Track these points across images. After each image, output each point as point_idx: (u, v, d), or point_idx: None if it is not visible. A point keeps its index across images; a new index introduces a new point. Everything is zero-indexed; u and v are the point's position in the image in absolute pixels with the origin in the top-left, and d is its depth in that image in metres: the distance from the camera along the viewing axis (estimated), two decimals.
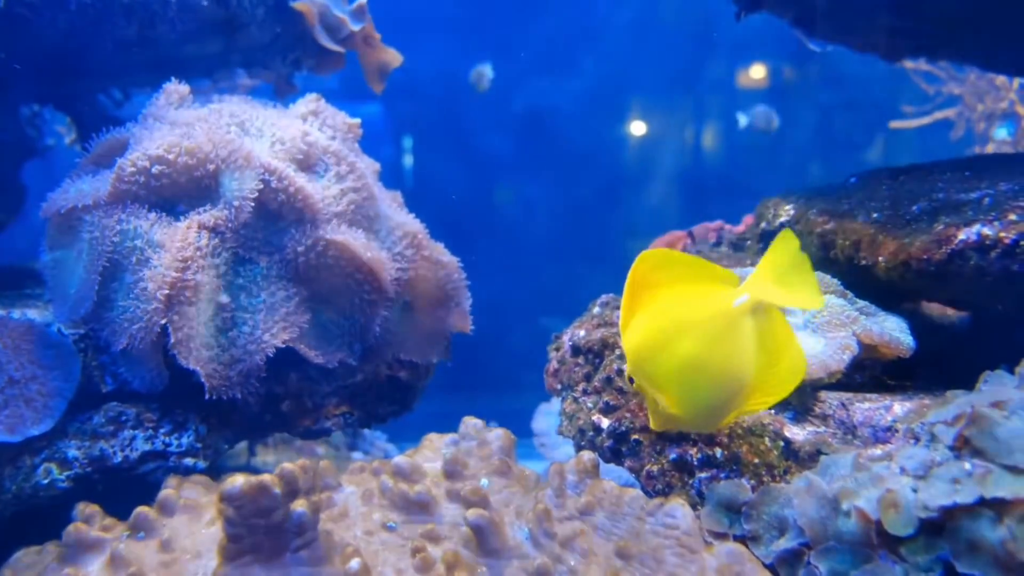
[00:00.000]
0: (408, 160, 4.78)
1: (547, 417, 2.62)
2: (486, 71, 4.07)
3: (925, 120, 3.70)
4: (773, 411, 1.20)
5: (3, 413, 1.26)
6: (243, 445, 2.17)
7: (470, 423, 1.32)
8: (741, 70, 4.78)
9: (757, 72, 4.77)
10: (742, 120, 4.14)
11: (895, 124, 3.78)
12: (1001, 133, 3.65)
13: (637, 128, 4.88)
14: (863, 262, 1.29)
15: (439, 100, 4.42)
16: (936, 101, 3.73)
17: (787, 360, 1.00)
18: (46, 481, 1.30)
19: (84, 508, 1.19)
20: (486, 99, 4.38)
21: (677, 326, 1.03)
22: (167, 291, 1.29)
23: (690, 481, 1.19)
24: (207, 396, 1.34)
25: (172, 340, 1.30)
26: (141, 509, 1.16)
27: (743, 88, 4.83)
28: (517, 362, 3.34)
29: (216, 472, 1.40)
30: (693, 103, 4.86)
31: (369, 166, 1.67)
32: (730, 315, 0.99)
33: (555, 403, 2.65)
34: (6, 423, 1.26)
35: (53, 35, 1.64)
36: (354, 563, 0.99)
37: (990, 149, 3.65)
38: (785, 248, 1.00)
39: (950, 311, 1.46)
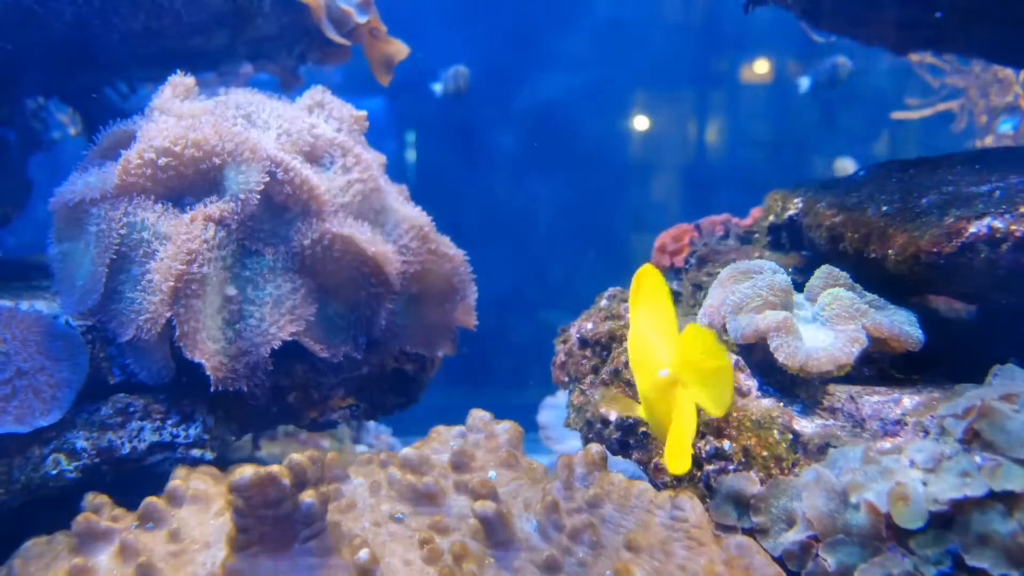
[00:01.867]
0: (412, 155, 4.78)
1: (552, 410, 2.62)
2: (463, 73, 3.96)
3: (927, 111, 3.70)
4: (782, 404, 1.20)
5: (12, 404, 1.27)
6: (249, 437, 2.18)
7: (477, 415, 1.32)
8: (745, 65, 4.77)
9: (761, 67, 4.76)
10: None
11: (897, 115, 3.77)
12: (1005, 127, 3.64)
13: (642, 123, 4.87)
14: (872, 255, 1.29)
15: (444, 94, 4.41)
16: (941, 94, 3.72)
17: (675, 443, 1.06)
18: (55, 472, 1.30)
19: (93, 498, 1.19)
20: (491, 93, 4.37)
21: (644, 357, 1.14)
22: (172, 283, 1.29)
23: (699, 474, 1.19)
24: (212, 388, 1.34)
25: (178, 332, 1.30)
26: (150, 500, 1.16)
27: (747, 83, 4.82)
28: (522, 356, 3.34)
29: (223, 464, 1.40)
30: (698, 98, 4.86)
31: (375, 158, 1.67)
32: (659, 379, 1.09)
33: (560, 396, 2.66)
34: (15, 414, 1.26)
35: (59, 27, 1.63)
36: (362, 554, 0.99)
37: (988, 142, 3.64)
38: (698, 342, 1.05)
39: (959, 305, 1.46)
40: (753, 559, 1.02)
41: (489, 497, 1.09)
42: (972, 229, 1.14)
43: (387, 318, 1.53)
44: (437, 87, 3.99)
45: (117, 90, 2.22)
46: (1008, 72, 3.58)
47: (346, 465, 1.27)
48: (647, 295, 1.15)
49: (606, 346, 1.47)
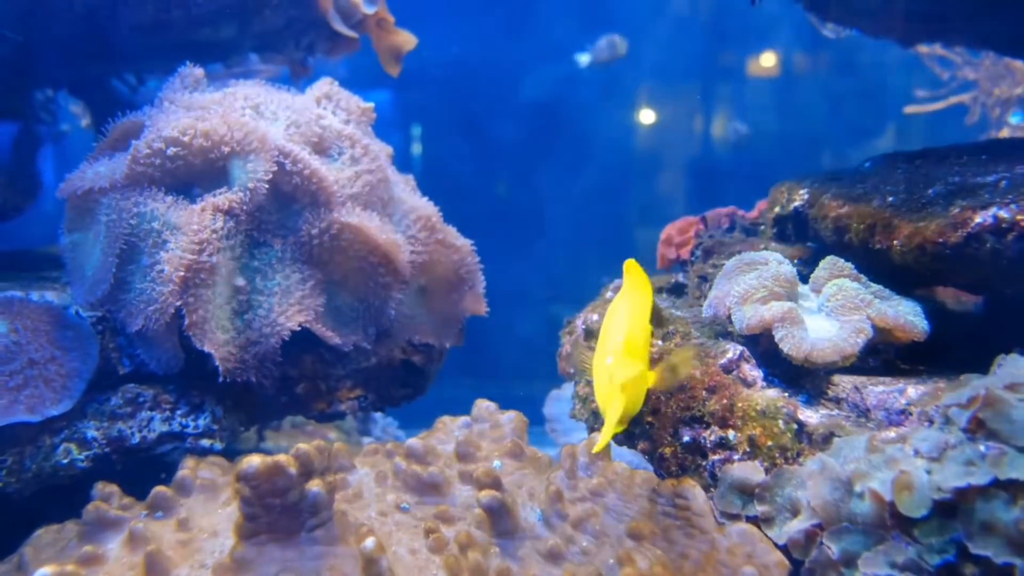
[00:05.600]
0: (417, 148, 4.78)
1: (558, 403, 2.62)
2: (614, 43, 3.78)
3: (940, 105, 3.66)
4: (787, 394, 1.20)
5: (23, 393, 1.28)
6: (256, 428, 2.19)
7: (483, 405, 1.33)
8: (752, 58, 4.75)
9: (768, 60, 4.74)
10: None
11: (910, 109, 3.74)
12: (1016, 119, 3.61)
13: (648, 115, 4.86)
14: (878, 246, 1.29)
15: (449, 87, 4.40)
16: (951, 86, 3.69)
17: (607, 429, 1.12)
18: (66, 461, 1.32)
19: (103, 487, 1.20)
20: (496, 86, 4.36)
21: (602, 338, 1.25)
22: (182, 273, 1.30)
23: (703, 463, 1.20)
24: (221, 379, 1.35)
25: (187, 322, 1.31)
26: (159, 489, 1.17)
27: (753, 76, 4.80)
28: (528, 349, 3.35)
29: (231, 454, 1.41)
30: (704, 91, 4.84)
31: (383, 149, 1.68)
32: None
33: (566, 389, 2.66)
34: (26, 403, 1.27)
35: (69, 18, 1.64)
36: (369, 543, 1.00)
37: (1004, 135, 3.61)
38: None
39: (963, 296, 1.46)
40: (756, 546, 1.03)
41: (494, 487, 1.09)
42: (978, 219, 1.14)
43: (396, 308, 1.54)
44: (583, 58, 3.86)
45: (125, 82, 2.23)
46: (1019, 64, 3.55)
47: (352, 455, 1.27)
48: (631, 286, 1.28)
49: None
